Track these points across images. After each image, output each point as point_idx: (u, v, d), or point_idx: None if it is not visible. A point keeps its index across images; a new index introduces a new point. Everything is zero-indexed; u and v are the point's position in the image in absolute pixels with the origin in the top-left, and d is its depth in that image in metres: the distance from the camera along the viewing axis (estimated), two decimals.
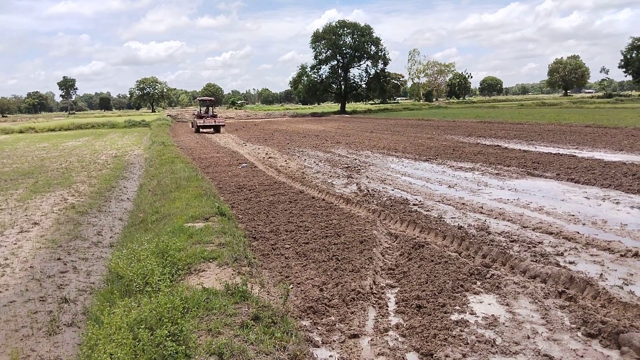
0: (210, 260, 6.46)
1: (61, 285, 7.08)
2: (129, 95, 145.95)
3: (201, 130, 38.74)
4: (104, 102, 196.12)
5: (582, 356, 4.31)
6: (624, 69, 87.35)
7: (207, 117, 39.01)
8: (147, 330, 3.96)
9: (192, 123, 43.46)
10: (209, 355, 3.87)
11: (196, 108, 54.17)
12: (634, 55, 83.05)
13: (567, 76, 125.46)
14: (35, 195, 13.68)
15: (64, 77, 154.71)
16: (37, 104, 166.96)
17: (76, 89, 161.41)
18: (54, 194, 13.81)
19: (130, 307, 4.44)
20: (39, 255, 8.39)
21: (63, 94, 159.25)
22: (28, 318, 5.99)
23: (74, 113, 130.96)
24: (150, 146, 27.15)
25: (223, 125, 39.29)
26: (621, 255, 6.72)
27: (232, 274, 5.97)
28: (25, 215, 11.20)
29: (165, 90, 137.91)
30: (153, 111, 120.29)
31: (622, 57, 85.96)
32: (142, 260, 5.92)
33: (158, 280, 5.24)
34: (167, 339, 3.84)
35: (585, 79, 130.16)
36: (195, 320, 4.49)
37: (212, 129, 39.05)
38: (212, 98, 47.43)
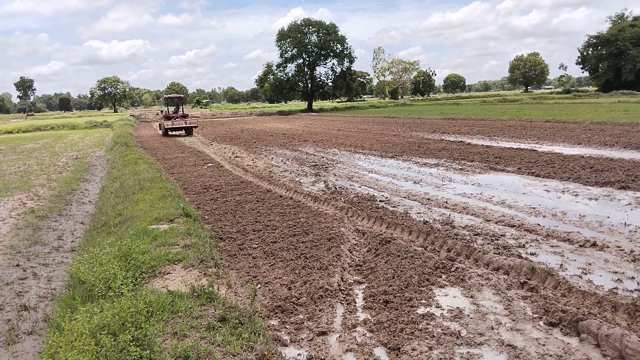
0: (176, 263, 6.36)
1: (20, 292, 6.84)
2: (89, 96, 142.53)
3: (170, 133, 33.93)
4: (63, 103, 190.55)
5: (544, 344, 4.43)
6: (581, 66, 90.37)
7: (177, 117, 33.93)
8: (110, 336, 3.86)
9: (159, 125, 37.52)
10: (175, 359, 3.80)
11: (162, 107, 49.54)
12: (590, 52, 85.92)
13: (527, 73, 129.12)
14: None
15: (21, 77, 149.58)
16: None
17: (34, 89, 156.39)
18: (12, 199, 13.33)
19: (92, 313, 4.32)
20: None
21: (21, 95, 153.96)
22: None
23: (33, 114, 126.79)
24: (112, 147, 26.52)
25: (195, 127, 34.23)
26: (580, 246, 6.94)
27: (198, 276, 5.89)
28: None
29: (127, 89, 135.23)
30: (115, 111, 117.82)
31: (579, 54, 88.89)
32: (104, 265, 5.77)
33: (121, 284, 5.12)
34: (131, 343, 3.75)
35: (545, 76, 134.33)
36: (160, 324, 4.41)
37: (182, 131, 34.33)
38: (181, 95, 40.06)
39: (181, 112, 35.92)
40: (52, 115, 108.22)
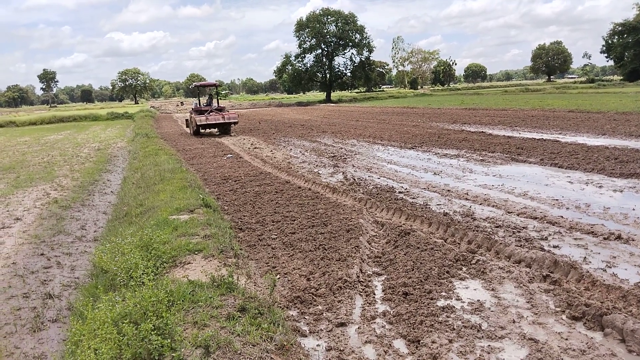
0: (196, 253, 6.40)
1: (45, 281, 6.98)
2: (111, 87, 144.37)
3: (202, 131, 26.67)
4: (85, 95, 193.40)
5: (566, 339, 4.35)
6: (605, 54, 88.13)
7: (212, 111, 26.33)
8: (132, 325, 3.91)
9: (186, 121, 29.75)
10: (195, 348, 3.83)
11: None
12: (615, 40, 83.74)
13: (550, 62, 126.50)
14: (16, 190, 13.45)
15: (44, 69, 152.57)
16: (18, 98, 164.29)
17: (57, 81, 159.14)
18: (36, 189, 13.59)
19: (114, 302, 4.38)
20: (21, 251, 8.25)
21: (44, 87, 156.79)
22: (11, 315, 5.89)
23: (55, 106, 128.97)
24: (133, 138, 26.83)
25: (235, 122, 26.24)
26: (604, 239, 6.80)
27: (218, 266, 5.93)
28: (7, 211, 11.01)
29: (148, 81, 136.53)
30: (136, 103, 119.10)
31: (603, 43, 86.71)
32: (126, 254, 5.84)
33: (142, 273, 5.17)
34: (152, 332, 3.79)
35: (568, 65, 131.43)
36: (180, 313, 4.45)
37: (218, 129, 27.07)
38: (216, 83, 30.28)
39: (216, 105, 28.15)
40: (75, 107, 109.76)
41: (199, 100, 28.62)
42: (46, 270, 7.40)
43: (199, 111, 26.69)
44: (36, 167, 17.86)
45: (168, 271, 5.88)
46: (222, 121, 25.61)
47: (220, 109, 27.18)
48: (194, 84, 29.71)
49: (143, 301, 4.18)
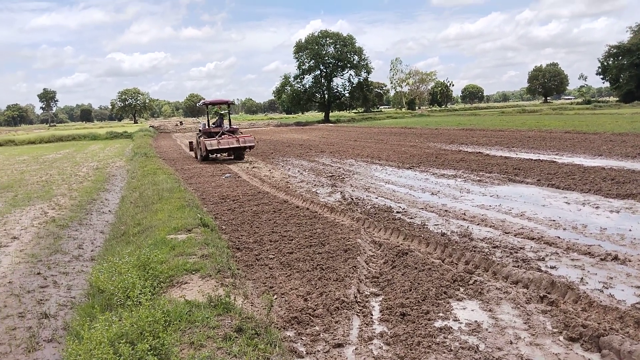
0: (193, 272, 6.40)
1: (41, 300, 6.95)
2: (110, 107, 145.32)
3: (212, 156, 23.09)
4: (85, 114, 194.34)
5: None
6: (601, 76, 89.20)
7: (223, 133, 22.95)
8: (128, 345, 3.90)
9: (190, 144, 26.37)
10: None
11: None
12: (610, 62, 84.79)
13: (547, 83, 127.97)
14: (14, 209, 13.44)
15: (44, 89, 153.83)
16: (17, 117, 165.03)
17: (57, 101, 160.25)
18: (34, 208, 13.59)
19: (111, 322, 4.38)
20: (18, 270, 8.23)
21: (43, 106, 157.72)
22: (6, 335, 5.86)
23: (55, 125, 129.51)
24: (132, 158, 26.89)
25: (252, 146, 22.83)
26: (601, 259, 6.81)
27: (215, 286, 5.92)
28: (4, 230, 10.99)
29: (147, 101, 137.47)
30: (135, 122, 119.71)
31: (599, 65, 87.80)
32: (123, 274, 5.84)
33: (139, 293, 5.17)
34: (149, 353, 3.78)
35: (565, 86, 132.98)
36: (177, 333, 4.44)
37: (231, 153, 23.51)
38: (229, 100, 25.49)
39: (227, 126, 24.42)
40: (74, 126, 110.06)
41: (208, 121, 24.80)
42: (42, 289, 7.38)
43: (208, 133, 23.13)
44: (34, 185, 17.87)
45: (165, 291, 5.87)
46: (236, 145, 22.19)
47: (232, 131, 23.62)
48: (201, 101, 26.04)
49: (140, 321, 4.18)
